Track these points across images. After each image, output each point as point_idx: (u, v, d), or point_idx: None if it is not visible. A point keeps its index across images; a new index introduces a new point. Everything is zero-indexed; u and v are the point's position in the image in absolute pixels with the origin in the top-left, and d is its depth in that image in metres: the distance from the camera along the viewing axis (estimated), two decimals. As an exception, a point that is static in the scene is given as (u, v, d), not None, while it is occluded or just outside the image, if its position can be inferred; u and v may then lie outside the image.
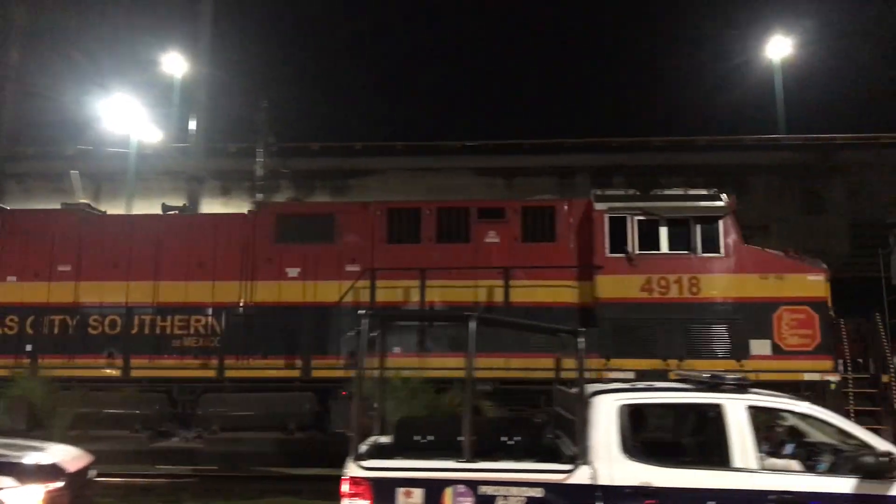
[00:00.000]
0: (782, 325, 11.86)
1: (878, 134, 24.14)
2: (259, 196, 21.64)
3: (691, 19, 57.74)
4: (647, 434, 7.09)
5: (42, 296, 12.76)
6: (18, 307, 12.71)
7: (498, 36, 59.37)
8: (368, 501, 5.55)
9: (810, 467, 6.06)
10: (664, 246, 12.17)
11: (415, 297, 12.23)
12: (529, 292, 12.16)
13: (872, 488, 5.48)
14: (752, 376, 10.87)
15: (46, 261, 12.92)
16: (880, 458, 5.48)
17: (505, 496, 5.51)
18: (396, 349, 11.54)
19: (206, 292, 12.69)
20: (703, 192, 12.45)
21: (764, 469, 5.68)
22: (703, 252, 12.06)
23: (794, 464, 6.12)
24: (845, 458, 5.89)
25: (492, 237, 12.74)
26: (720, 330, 11.88)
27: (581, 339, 6.21)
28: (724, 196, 12.24)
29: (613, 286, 12.08)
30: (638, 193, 12.73)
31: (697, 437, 6.71)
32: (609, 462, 5.63)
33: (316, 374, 12.09)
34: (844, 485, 5.56)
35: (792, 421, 6.75)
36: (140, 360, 12.37)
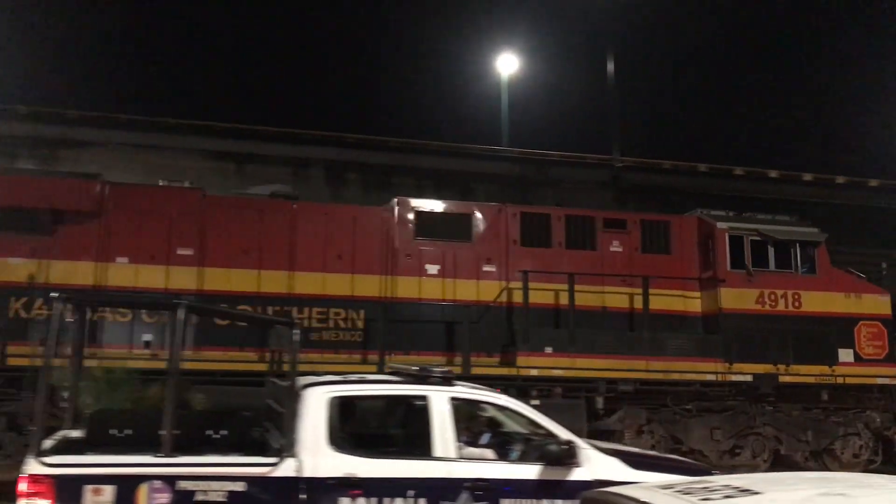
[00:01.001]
0: (861, 336, 13.76)
1: (583, 154, 26.73)
2: None
3: (439, 34, 60.02)
4: (359, 426, 7.23)
5: (159, 281, 11.58)
6: (131, 292, 11.29)
7: (247, 20, 57.49)
8: (49, 501, 5.06)
9: (504, 455, 6.49)
10: (772, 264, 13.66)
11: (563, 300, 12.56)
12: (660, 301, 13.09)
13: (555, 474, 5.98)
14: (839, 380, 13.48)
15: (164, 242, 11.70)
16: (562, 447, 6.01)
17: (205, 491, 5.29)
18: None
19: (345, 285, 12.28)
20: (786, 217, 14.67)
21: (461, 458, 5.98)
22: (803, 272, 13.78)
23: (489, 452, 6.52)
24: (534, 446, 6.38)
25: (615, 246, 13.57)
26: (817, 339, 13.43)
27: (296, 332, 6.15)
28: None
29: (735, 298, 13.30)
30: (734, 214, 14.20)
31: (405, 428, 6.92)
32: (315, 454, 5.61)
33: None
34: (531, 471, 6.01)
35: (491, 412, 7.22)
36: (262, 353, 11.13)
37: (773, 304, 13.61)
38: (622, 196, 25.60)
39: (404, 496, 5.64)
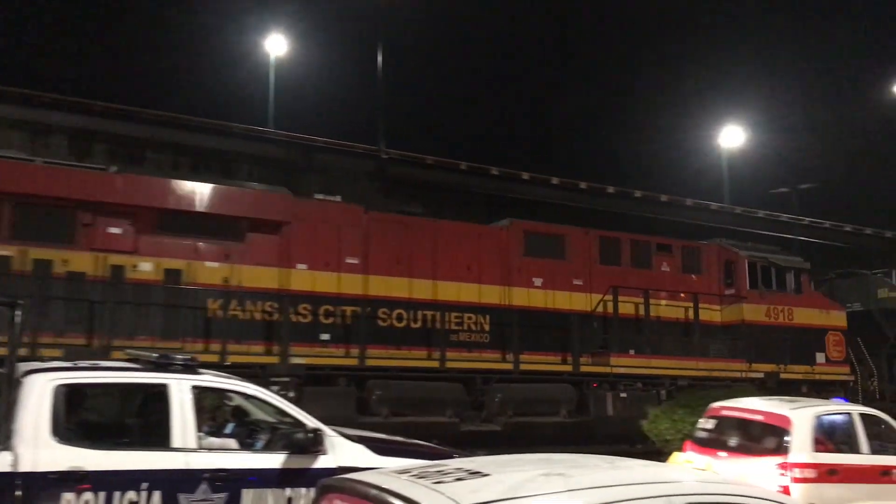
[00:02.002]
0: (830, 343, 18.13)
1: (352, 143, 26.78)
2: None
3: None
4: (91, 416, 6.71)
5: (332, 286, 12.93)
6: (309, 295, 12.69)
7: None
8: None
9: (250, 445, 6.32)
10: (774, 286, 17.61)
11: (641, 311, 15.56)
12: (700, 313, 16.14)
13: (300, 462, 5.92)
14: (817, 377, 17.51)
15: (335, 252, 13.08)
16: (308, 435, 5.96)
17: None
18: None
19: (474, 293, 14.23)
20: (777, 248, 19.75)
21: (202, 448, 5.74)
22: (794, 292, 17.96)
23: (232, 442, 6.32)
24: (281, 435, 6.27)
25: (665, 267, 16.69)
26: (802, 345, 17.35)
27: (18, 313, 5.54)
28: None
29: (752, 312, 17.01)
30: (748, 244, 18.62)
31: (143, 418, 6.52)
32: (35, 447, 5.11)
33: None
34: (276, 460, 5.90)
35: (238, 401, 6.99)
36: (419, 351, 13.41)
37: (776, 317, 17.55)
38: (389, 188, 25.95)
39: (137, 489, 5.29)
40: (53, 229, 11.50)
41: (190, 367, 5.99)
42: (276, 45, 30.23)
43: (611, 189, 34.01)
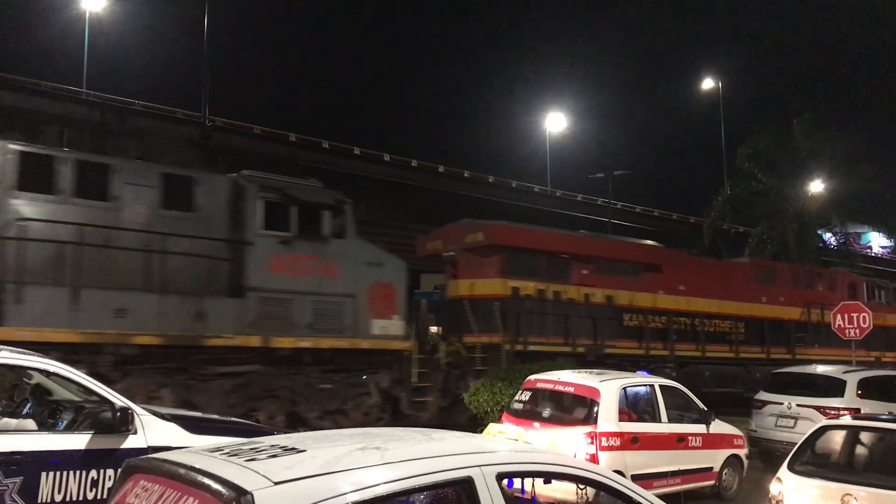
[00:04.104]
0: None
1: (173, 108, 25.51)
2: None
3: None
4: None
5: (682, 305, 19.34)
6: (663, 311, 18.80)
7: None
8: None
9: (52, 426, 5.91)
10: (882, 299, 25.77)
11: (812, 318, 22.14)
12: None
13: (107, 442, 5.59)
14: None
15: (678, 282, 19.50)
16: (115, 413, 5.64)
17: None
18: None
19: (732, 308, 20.37)
20: None
21: None
22: (887, 302, 25.92)
23: (31, 423, 5.87)
24: (86, 414, 5.90)
25: (819, 287, 23.11)
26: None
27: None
28: None
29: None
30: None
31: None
32: None
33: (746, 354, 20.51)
34: (80, 441, 5.55)
35: (39, 379, 6.50)
36: (716, 347, 19.81)
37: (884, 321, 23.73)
38: (211, 156, 24.97)
39: None
40: (560, 272, 17.31)
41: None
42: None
43: (441, 168, 34.60)
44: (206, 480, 2.75)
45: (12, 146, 10.45)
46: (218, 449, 3.18)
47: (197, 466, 2.88)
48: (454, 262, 16.53)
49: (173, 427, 5.95)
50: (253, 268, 11.76)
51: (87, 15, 28.39)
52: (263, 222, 11.94)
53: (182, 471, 2.89)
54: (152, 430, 5.81)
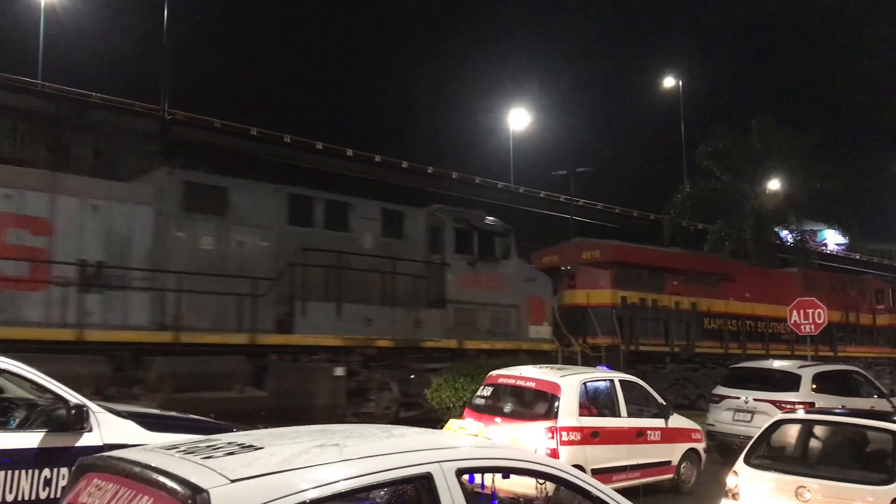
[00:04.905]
0: None
1: (131, 101, 25.07)
2: None
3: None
4: None
5: (743, 310, 21.95)
6: (733, 315, 21.67)
7: None
8: None
9: (3, 424, 5.78)
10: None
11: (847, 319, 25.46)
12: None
13: (61, 440, 5.51)
14: None
15: (740, 290, 22.01)
16: (70, 411, 5.54)
17: None
18: None
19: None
20: None
21: None
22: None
23: None
24: (39, 412, 5.79)
25: (852, 293, 26.33)
26: None
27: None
28: None
29: (888, 319, 27.59)
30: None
31: None
32: None
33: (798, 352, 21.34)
34: (33, 439, 5.45)
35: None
36: (776, 346, 22.50)
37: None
38: (170, 150, 24.57)
39: None
40: (656, 283, 19.83)
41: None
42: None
43: (404, 164, 34.52)
44: (162, 478, 2.70)
45: (284, 190, 13.22)
46: (174, 446, 3.13)
47: (152, 464, 2.83)
48: (572, 274, 19.14)
49: (130, 424, 5.87)
50: (450, 284, 14.80)
51: (42, 2, 27.75)
52: (455, 247, 14.94)
53: (137, 469, 2.84)
54: (108, 428, 5.72)
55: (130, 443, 5.45)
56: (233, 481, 2.64)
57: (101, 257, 11.01)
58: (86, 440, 5.55)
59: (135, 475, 2.82)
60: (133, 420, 5.95)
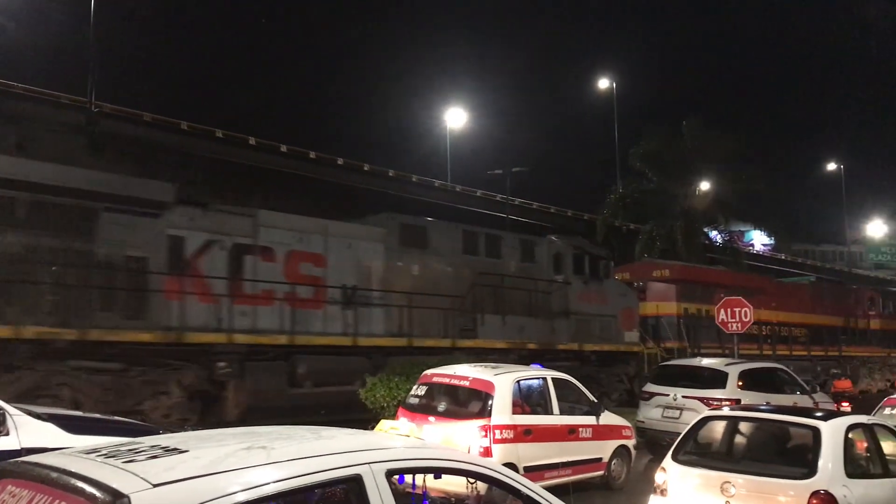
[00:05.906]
0: None
1: (56, 92, 24.25)
2: None
3: None
4: None
5: (770, 317, 25.77)
6: (768, 322, 25.89)
7: None
8: None
9: None
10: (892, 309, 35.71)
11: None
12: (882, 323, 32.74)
13: None
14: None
15: (772, 300, 25.86)
16: None
17: None
18: None
19: (802, 318, 27.02)
20: None
21: None
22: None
23: None
24: None
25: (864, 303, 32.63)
26: None
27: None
28: None
29: (881, 323, 32.94)
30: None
31: None
32: None
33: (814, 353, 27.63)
34: None
35: None
36: (797, 347, 27.03)
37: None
38: (97, 143, 23.85)
39: None
40: (707, 296, 22.80)
41: None
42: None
43: (340, 161, 34.24)
44: (80, 484, 2.60)
45: (460, 227, 17.57)
46: (95, 450, 3.02)
47: (71, 469, 2.73)
48: (643, 289, 23.17)
49: (50, 427, 5.68)
50: (571, 299, 18.61)
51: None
52: (573, 269, 18.70)
53: (54, 474, 2.73)
54: (26, 431, 5.52)
55: (50, 446, 5.23)
56: (155, 486, 2.56)
57: (355, 282, 14.54)
58: (2, 444, 5.34)
59: (52, 481, 2.71)
60: (53, 423, 5.75)
